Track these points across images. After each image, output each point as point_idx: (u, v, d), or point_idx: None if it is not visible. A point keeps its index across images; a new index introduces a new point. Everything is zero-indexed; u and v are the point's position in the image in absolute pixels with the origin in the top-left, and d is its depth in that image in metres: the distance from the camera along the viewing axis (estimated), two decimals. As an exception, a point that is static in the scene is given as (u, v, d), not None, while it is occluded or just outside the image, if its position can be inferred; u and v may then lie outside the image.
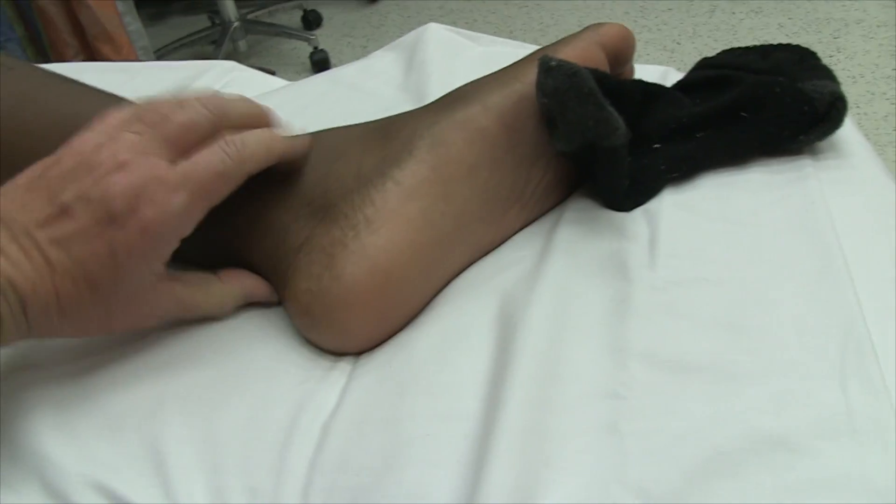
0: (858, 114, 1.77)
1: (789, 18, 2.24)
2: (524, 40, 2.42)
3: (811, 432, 0.34)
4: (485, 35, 0.72)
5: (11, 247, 0.36)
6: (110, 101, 0.53)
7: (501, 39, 0.71)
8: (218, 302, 0.45)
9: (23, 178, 0.39)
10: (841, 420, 0.34)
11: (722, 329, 0.39)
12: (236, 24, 2.49)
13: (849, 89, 1.83)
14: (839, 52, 1.99)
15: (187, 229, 0.40)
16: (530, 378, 0.37)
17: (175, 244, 0.40)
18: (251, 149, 0.42)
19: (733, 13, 2.34)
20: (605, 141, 0.43)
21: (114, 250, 0.37)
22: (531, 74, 0.46)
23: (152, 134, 0.40)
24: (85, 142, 0.39)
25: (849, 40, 2.05)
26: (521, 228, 0.49)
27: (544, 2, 2.65)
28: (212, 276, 0.45)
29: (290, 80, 2.19)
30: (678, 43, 2.21)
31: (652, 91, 0.50)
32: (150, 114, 0.41)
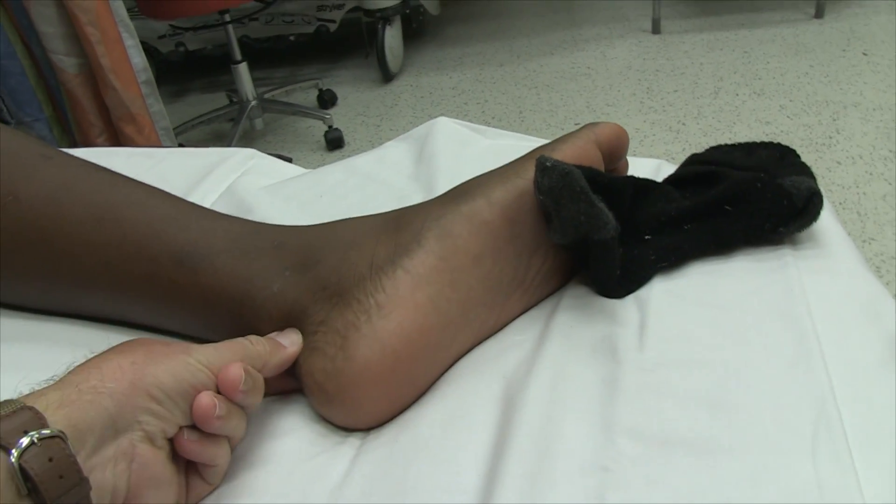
0: (858, 193, 1.81)
1: (790, 101, 2.30)
2: (533, 121, 2.48)
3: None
4: (491, 129, 0.76)
5: None
6: (138, 188, 0.57)
7: (507, 132, 0.76)
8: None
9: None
10: (812, 494, 0.37)
11: (704, 407, 0.42)
12: (254, 103, 2.57)
13: (847, 170, 1.88)
14: (838, 133, 2.04)
15: None
16: (526, 454, 0.40)
17: None
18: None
19: (736, 94, 2.40)
20: (595, 235, 0.47)
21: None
22: (530, 171, 0.50)
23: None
24: None
25: (847, 122, 2.10)
26: (523, 313, 0.53)
27: (554, 83, 2.72)
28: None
29: (305, 157, 2.24)
30: (683, 124, 2.27)
31: (643, 186, 0.54)
32: None
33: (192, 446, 0.41)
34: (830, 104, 2.23)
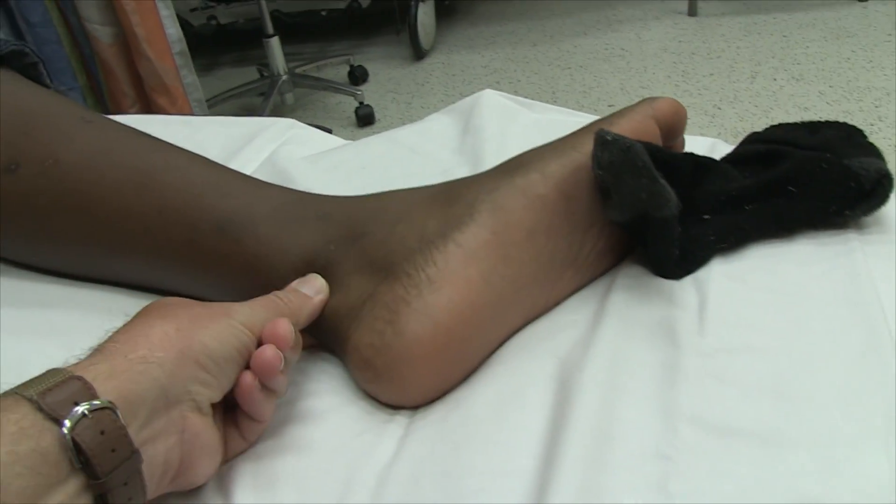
0: (900, 183, 1.77)
1: (830, 86, 2.26)
2: (566, 101, 2.45)
3: (856, 500, 0.35)
4: (537, 102, 0.74)
5: None
6: (179, 154, 0.56)
7: (553, 107, 0.74)
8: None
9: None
10: (887, 490, 0.35)
11: (768, 396, 0.40)
12: (285, 77, 2.56)
13: (889, 157, 1.84)
14: (880, 120, 2.00)
15: None
16: (584, 438, 0.39)
17: None
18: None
19: (774, 79, 2.36)
20: (657, 212, 0.45)
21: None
22: (588, 145, 0.48)
23: None
24: None
25: (890, 109, 2.06)
26: (575, 292, 0.51)
27: (587, 64, 2.69)
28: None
29: (336, 132, 2.24)
30: (719, 108, 2.23)
31: (702, 164, 0.52)
32: None
33: (257, 398, 0.41)
34: (873, 90, 2.18)
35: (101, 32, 1.90)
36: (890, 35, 2.54)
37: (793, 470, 0.37)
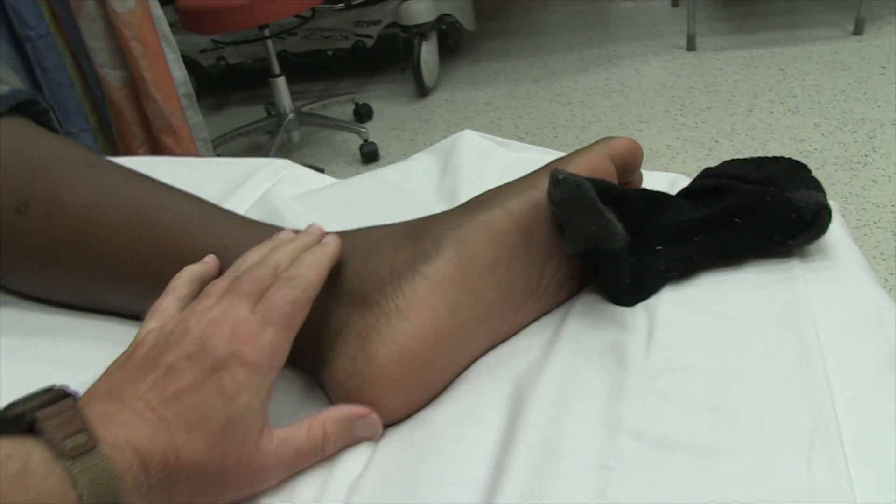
0: (893, 212, 1.80)
1: (825, 118, 2.30)
2: (566, 136, 2.50)
3: (775, 502, 0.39)
4: (514, 142, 0.79)
5: (123, 412, 0.39)
6: (174, 194, 0.60)
7: (529, 146, 0.78)
8: (319, 429, 0.46)
9: (112, 367, 0.44)
10: (804, 494, 0.39)
11: (704, 411, 0.44)
12: (291, 115, 2.62)
13: (883, 188, 1.87)
14: (874, 151, 2.03)
15: (282, 358, 0.45)
16: (532, 450, 0.42)
17: (275, 375, 0.45)
18: (310, 274, 0.48)
19: (770, 112, 2.40)
20: (605, 244, 0.49)
21: (222, 387, 0.42)
22: (545, 183, 0.52)
23: (225, 298, 0.46)
24: (165, 322, 0.45)
25: (884, 140, 2.09)
26: (536, 319, 0.55)
27: (588, 100, 2.74)
28: (308, 416, 0.47)
29: (340, 169, 2.28)
30: (716, 141, 2.28)
31: (655, 198, 0.56)
32: (215, 287, 0.48)
33: None
34: (867, 122, 2.22)
35: (111, 76, 1.97)
36: (884, 68, 2.59)
37: (722, 477, 0.40)
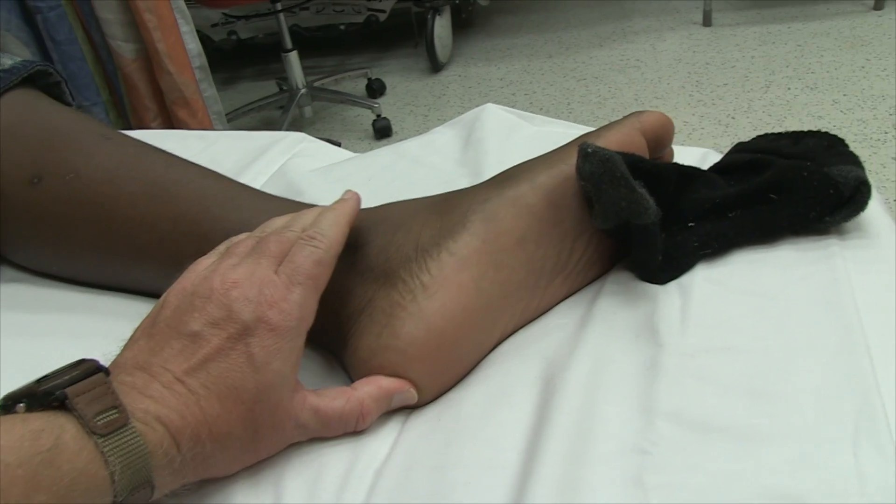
0: (914, 191, 1.78)
1: (844, 95, 2.26)
2: (581, 112, 2.47)
3: (823, 493, 0.37)
4: (538, 116, 0.77)
5: (153, 386, 0.39)
6: (192, 168, 0.59)
7: (553, 120, 0.76)
8: (356, 407, 0.45)
9: (137, 333, 0.43)
10: (852, 484, 0.37)
11: (744, 394, 0.42)
12: (303, 91, 2.60)
13: (903, 166, 1.85)
14: (894, 128, 2.00)
15: (310, 320, 0.44)
16: (565, 433, 0.41)
17: (303, 338, 0.43)
18: (331, 232, 0.46)
19: (788, 89, 2.37)
20: (637, 220, 0.47)
21: (251, 355, 0.40)
22: (574, 157, 0.50)
23: (250, 257, 0.44)
24: (187, 282, 0.44)
25: (905, 117, 2.06)
26: (565, 298, 0.53)
27: (603, 75, 2.71)
28: (345, 388, 0.46)
29: (352, 145, 2.27)
30: (733, 118, 2.25)
31: (687, 173, 0.54)
32: (239, 247, 0.46)
33: None
34: (887, 98, 2.19)
35: (124, 49, 1.96)
36: (905, 43, 2.54)
37: (764, 464, 0.39)
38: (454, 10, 3.10)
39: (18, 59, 0.62)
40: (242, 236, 0.48)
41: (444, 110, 2.65)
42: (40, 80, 0.64)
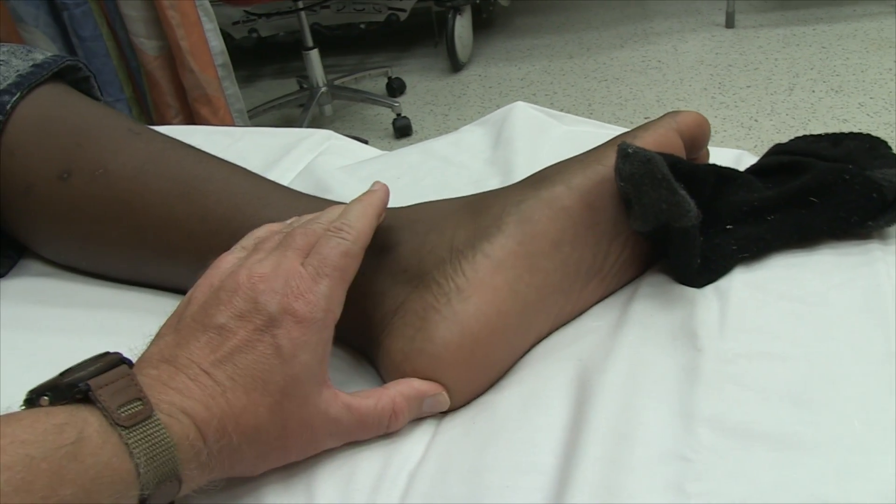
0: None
1: (870, 98, 2.24)
2: (602, 113, 2.46)
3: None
4: (568, 115, 0.76)
5: (178, 378, 0.38)
6: (221, 165, 0.58)
7: (584, 119, 0.76)
8: (388, 405, 0.44)
9: (163, 329, 0.42)
10: (900, 494, 0.36)
11: (787, 401, 0.41)
12: (324, 89, 2.60)
13: (931, 171, 1.82)
14: (921, 132, 1.98)
15: (337, 312, 0.43)
16: (604, 438, 0.40)
17: (330, 330, 0.42)
18: (359, 223, 0.45)
19: (813, 91, 2.35)
20: (677, 222, 0.46)
21: (278, 347, 0.40)
22: (611, 158, 0.49)
23: (276, 251, 0.44)
24: (213, 278, 0.43)
25: (932, 121, 2.04)
26: (600, 301, 0.52)
27: (624, 76, 2.70)
28: (377, 388, 0.46)
29: (373, 144, 2.27)
30: (756, 120, 2.23)
31: (725, 175, 0.53)
32: (266, 242, 0.45)
33: None
34: (914, 102, 2.16)
35: (147, 46, 1.96)
36: (932, 46, 2.52)
37: (810, 474, 0.38)
38: (474, 9, 3.10)
39: (49, 54, 0.62)
40: (263, 228, 0.48)
41: (464, 110, 2.65)
42: (69, 75, 0.63)
